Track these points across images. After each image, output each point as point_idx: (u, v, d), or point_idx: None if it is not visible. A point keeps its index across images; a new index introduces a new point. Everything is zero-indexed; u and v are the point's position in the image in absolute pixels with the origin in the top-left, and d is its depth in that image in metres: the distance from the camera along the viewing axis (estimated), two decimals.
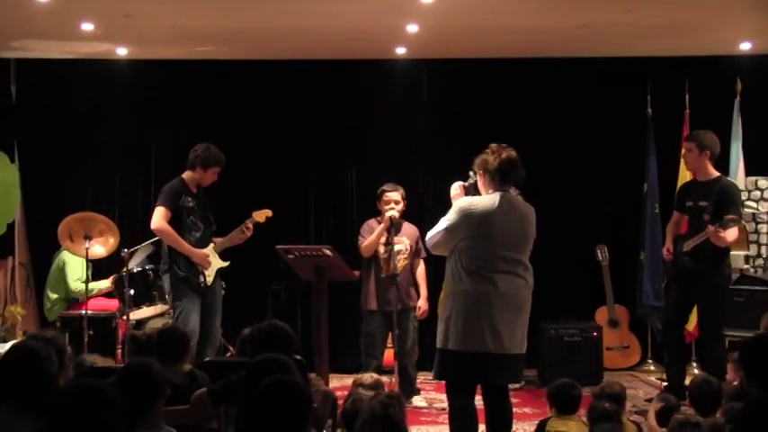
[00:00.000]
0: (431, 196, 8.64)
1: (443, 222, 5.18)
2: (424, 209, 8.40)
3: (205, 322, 6.94)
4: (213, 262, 7.02)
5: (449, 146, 8.75)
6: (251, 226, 7.09)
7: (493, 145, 5.28)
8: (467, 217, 5.10)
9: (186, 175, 7.09)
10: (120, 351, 7.55)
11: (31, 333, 6.05)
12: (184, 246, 6.89)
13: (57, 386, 4.10)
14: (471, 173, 5.38)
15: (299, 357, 4.38)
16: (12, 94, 8.81)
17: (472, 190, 5.36)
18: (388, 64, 8.85)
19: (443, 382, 5.33)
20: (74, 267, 7.83)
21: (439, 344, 5.19)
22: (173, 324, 5.41)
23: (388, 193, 7.17)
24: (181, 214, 6.95)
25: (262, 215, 7.21)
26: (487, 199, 5.16)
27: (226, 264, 7.12)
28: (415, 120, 8.94)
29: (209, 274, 6.97)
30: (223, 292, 7.18)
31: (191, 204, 6.98)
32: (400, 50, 8.52)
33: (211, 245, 7.09)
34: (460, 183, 5.41)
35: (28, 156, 8.79)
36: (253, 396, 3.22)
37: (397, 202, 7.13)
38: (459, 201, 5.23)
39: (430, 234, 5.24)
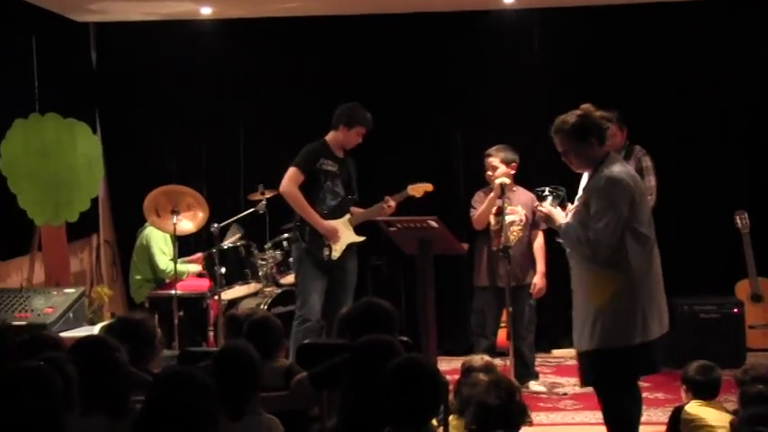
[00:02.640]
0: (546, 161, 8.52)
1: (602, 215, 4.87)
2: (538, 174, 8.29)
3: (331, 300, 7.02)
4: (344, 235, 7.07)
5: (563, 104, 8.60)
6: (393, 204, 7.06)
7: (561, 117, 5.14)
8: (626, 191, 4.91)
9: (330, 135, 7.15)
10: (212, 333, 7.73)
11: (119, 315, 6.22)
12: (311, 214, 6.98)
13: (148, 372, 4.23)
14: (548, 190, 5.26)
15: (405, 339, 4.43)
16: (92, 61, 9.00)
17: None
18: (494, 15, 8.76)
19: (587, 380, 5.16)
20: (160, 245, 7.99)
21: (596, 344, 4.95)
22: (263, 313, 5.42)
23: (489, 158, 7.17)
24: (317, 177, 7.02)
25: (419, 189, 7.18)
26: (620, 163, 5.08)
27: (360, 239, 7.17)
28: (527, 77, 8.83)
29: (337, 248, 7.05)
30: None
31: (330, 168, 7.05)
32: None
33: (347, 216, 7.13)
34: (549, 200, 5.24)
35: (110, 126, 8.99)
36: (382, 379, 3.23)
37: (494, 168, 7.10)
38: (607, 180, 4.92)
39: (591, 237, 4.88)
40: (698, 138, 8.66)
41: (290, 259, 7.67)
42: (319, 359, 4.35)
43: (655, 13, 8.57)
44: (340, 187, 7.11)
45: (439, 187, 7.78)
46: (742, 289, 8.40)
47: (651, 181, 7.47)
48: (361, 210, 7.22)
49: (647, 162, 7.56)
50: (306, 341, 5.69)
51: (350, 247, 7.13)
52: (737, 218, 8.29)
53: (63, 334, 6.11)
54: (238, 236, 7.97)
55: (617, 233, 4.84)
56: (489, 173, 7.16)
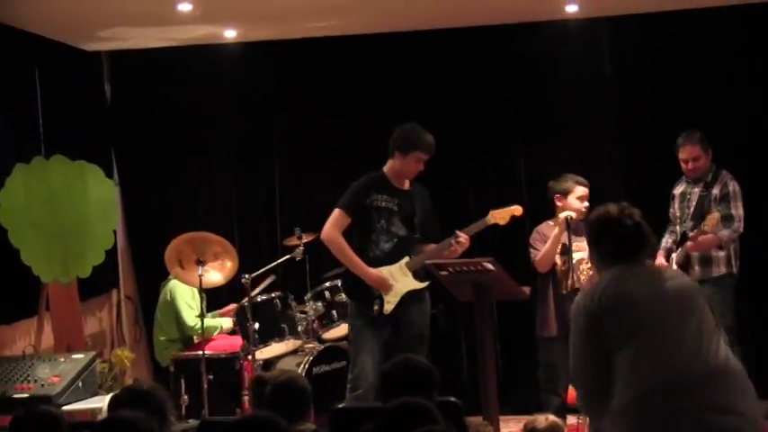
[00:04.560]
0: (620, 188, 8.31)
1: None
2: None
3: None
4: (400, 282, 6.80)
5: (637, 120, 8.45)
6: (464, 238, 6.71)
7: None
8: None
9: (387, 165, 6.92)
10: (246, 397, 7.59)
11: (127, 385, 6.08)
12: (355, 263, 6.76)
13: None
14: None
15: (452, 399, 4.35)
16: (106, 94, 9.00)
17: None
18: (557, 25, 8.60)
19: None
20: (186, 300, 7.93)
21: None
22: (291, 373, 5.27)
23: (580, 187, 7.05)
24: (369, 217, 6.79)
25: (505, 214, 6.87)
26: None
27: (422, 285, 6.89)
28: (595, 93, 8.65)
29: (390, 300, 6.79)
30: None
31: (384, 204, 6.81)
32: (571, 8, 8.27)
33: (404, 260, 6.85)
34: None
35: (127, 168, 8.99)
36: None
37: (585, 199, 7.04)
38: None
39: None
40: None
41: (333, 311, 7.55)
42: (354, 425, 4.25)
43: (739, 17, 8.34)
44: (398, 225, 6.84)
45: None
46: None
47: (738, 209, 7.39)
48: (430, 246, 6.93)
49: (734, 186, 7.45)
50: (340, 405, 5.56)
51: (411, 294, 6.86)
52: None
53: (70, 406, 6.04)
54: (269, 283, 7.84)
55: None
56: (575, 205, 7.05)
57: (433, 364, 4.52)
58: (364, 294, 6.81)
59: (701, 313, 4.19)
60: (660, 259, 7.51)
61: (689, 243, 7.32)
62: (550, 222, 7.13)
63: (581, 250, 6.95)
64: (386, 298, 6.79)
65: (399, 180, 6.89)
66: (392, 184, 6.87)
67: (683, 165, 7.57)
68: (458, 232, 6.75)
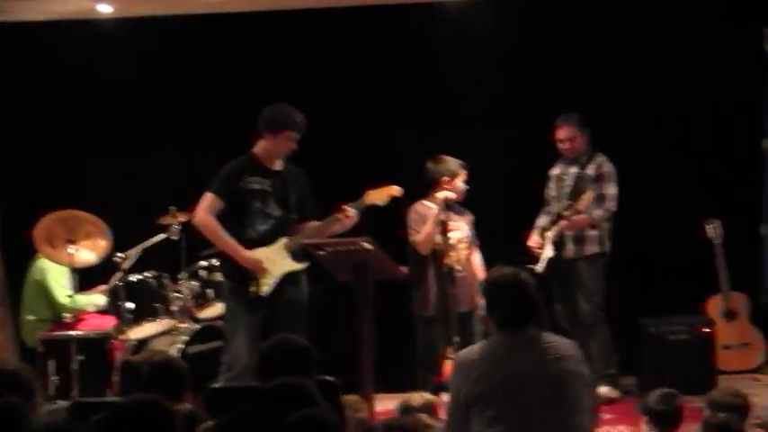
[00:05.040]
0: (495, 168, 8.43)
1: None
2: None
3: None
4: (276, 264, 6.74)
5: (519, 105, 8.59)
6: (352, 213, 6.66)
7: None
8: None
9: (257, 147, 6.81)
10: (118, 379, 7.50)
11: None
12: (229, 245, 6.69)
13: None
14: None
15: (330, 378, 4.38)
16: None
17: None
18: (432, 7, 8.67)
19: None
20: (57, 278, 7.79)
21: None
22: (165, 354, 5.24)
23: (464, 170, 7.17)
24: (243, 200, 6.70)
25: (382, 194, 6.73)
26: None
27: (300, 266, 6.84)
28: (471, 75, 8.73)
29: (266, 282, 6.73)
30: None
31: (257, 186, 6.73)
32: None
33: (282, 241, 6.78)
34: None
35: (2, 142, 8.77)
36: None
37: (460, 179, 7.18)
38: None
39: None
40: (663, 142, 8.63)
41: (208, 290, 7.51)
42: (231, 404, 4.22)
43: (620, 4, 8.55)
44: (273, 207, 6.78)
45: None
46: (713, 306, 8.41)
47: (610, 189, 7.62)
48: (313, 224, 6.87)
49: (608, 168, 7.69)
50: (215, 385, 5.55)
51: (288, 275, 6.81)
52: (708, 227, 8.26)
53: None
54: (137, 258, 7.74)
55: None
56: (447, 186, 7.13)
57: (312, 344, 4.54)
58: (240, 275, 6.75)
59: (572, 402, 4.25)
60: (535, 238, 7.66)
61: (563, 222, 7.49)
62: (425, 202, 7.18)
63: (458, 230, 7.07)
64: (262, 280, 6.72)
65: (270, 161, 6.81)
66: (264, 166, 6.79)
67: (559, 144, 7.74)
68: (344, 207, 6.67)
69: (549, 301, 7.59)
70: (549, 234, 7.58)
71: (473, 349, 4.41)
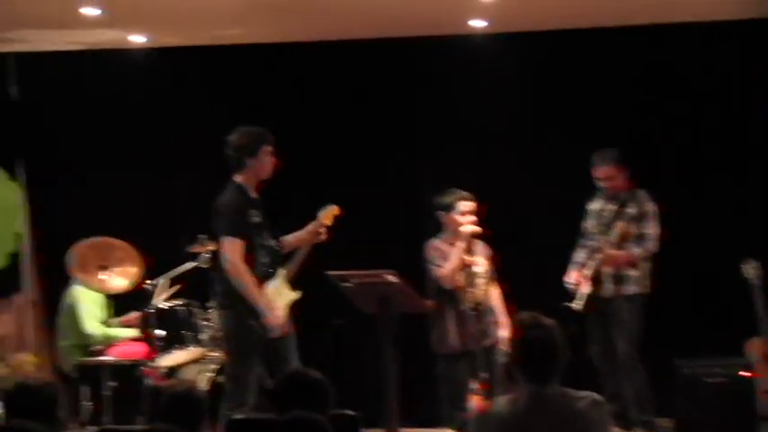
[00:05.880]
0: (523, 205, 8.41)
1: None
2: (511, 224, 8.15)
3: (277, 374, 6.68)
4: (281, 297, 6.71)
5: (549, 141, 8.57)
6: (323, 230, 6.75)
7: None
8: None
9: (240, 178, 6.72)
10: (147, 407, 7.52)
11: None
12: (255, 297, 6.52)
13: None
14: None
15: (350, 412, 4.43)
16: (12, 96, 8.92)
17: None
18: (460, 40, 8.68)
19: None
20: (88, 306, 7.82)
21: None
22: (187, 384, 5.19)
23: (465, 202, 7.06)
24: (250, 236, 6.60)
25: (328, 216, 6.83)
26: None
27: (297, 295, 6.82)
28: (500, 110, 8.71)
29: (279, 315, 6.69)
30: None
31: (256, 219, 6.66)
32: (477, 23, 8.37)
33: (281, 272, 6.77)
34: None
35: (35, 171, 8.89)
36: None
37: (473, 213, 7.05)
38: None
39: None
40: (701, 179, 8.58)
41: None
42: None
43: (655, 36, 8.52)
44: (266, 237, 6.72)
45: (403, 234, 7.68)
46: (754, 348, 8.26)
47: (651, 228, 7.56)
48: (295, 235, 6.83)
49: (650, 207, 7.62)
50: (237, 416, 5.54)
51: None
52: (746, 267, 8.14)
53: None
54: (170, 293, 7.77)
55: None
56: (463, 219, 7.06)
57: (337, 377, 4.54)
58: (255, 316, 6.60)
59: None
60: (572, 274, 7.60)
61: (602, 257, 7.45)
62: (443, 238, 7.15)
63: (478, 264, 7.05)
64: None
65: (255, 189, 6.75)
66: (252, 196, 6.74)
67: (598, 182, 7.69)
68: (319, 216, 6.75)
69: (583, 341, 7.52)
70: (586, 271, 7.52)
71: (499, 402, 4.33)
